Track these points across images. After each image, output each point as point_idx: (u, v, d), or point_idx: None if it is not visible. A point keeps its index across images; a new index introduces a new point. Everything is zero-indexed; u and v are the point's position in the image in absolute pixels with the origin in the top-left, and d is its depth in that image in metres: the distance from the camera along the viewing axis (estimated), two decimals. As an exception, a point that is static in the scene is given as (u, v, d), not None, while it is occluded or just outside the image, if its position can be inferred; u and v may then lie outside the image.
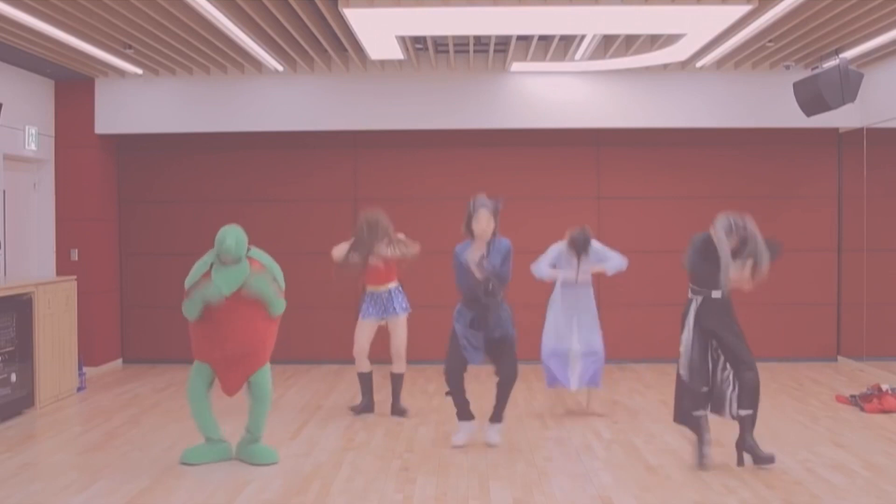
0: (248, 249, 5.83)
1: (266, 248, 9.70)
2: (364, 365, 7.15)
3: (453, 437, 6.12)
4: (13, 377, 6.97)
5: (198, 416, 5.70)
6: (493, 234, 6.02)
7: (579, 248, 7.01)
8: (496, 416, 6.11)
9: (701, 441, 5.44)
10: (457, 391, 6.08)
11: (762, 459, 5.43)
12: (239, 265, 5.67)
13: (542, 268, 7.16)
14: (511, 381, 6.04)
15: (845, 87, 7.33)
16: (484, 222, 5.96)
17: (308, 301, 9.81)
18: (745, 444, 5.43)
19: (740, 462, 5.44)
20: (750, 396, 5.39)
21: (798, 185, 9.72)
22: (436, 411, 7.23)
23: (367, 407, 7.16)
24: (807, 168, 9.72)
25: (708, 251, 5.63)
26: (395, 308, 7.09)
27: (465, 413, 6.11)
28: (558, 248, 7.20)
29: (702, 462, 5.41)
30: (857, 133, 9.20)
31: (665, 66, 8.81)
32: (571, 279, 7.07)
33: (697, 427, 5.45)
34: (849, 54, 7.82)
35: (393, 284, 7.16)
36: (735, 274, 5.50)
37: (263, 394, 5.72)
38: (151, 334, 9.86)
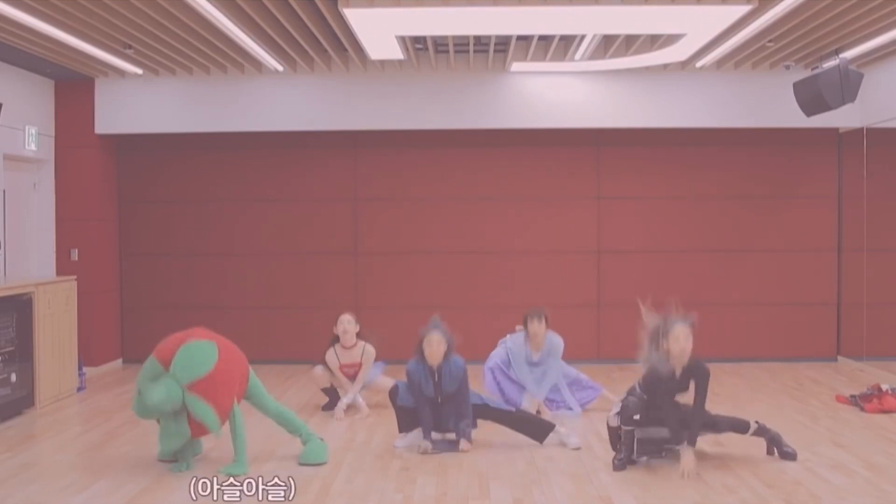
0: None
1: (266, 248, 9.82)
2: (323, 382, 7.37)
3: (396, 441, 6.15)
4: (13, 377, 6.97)
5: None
6: (445, 356, 6.04)
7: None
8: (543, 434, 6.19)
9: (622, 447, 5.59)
10: (403, 409, 6.19)
11: (786, 455, 5.63)
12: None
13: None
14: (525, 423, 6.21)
15: (845, 87, 7.33)
16: (434, 345, 5.99)
17: (307, 301, 9.82)
18: (769, 439, 5.71)
19: (770, 451, 5.70)
20: (741, 430, 5.68)
21: (798, 185, 9.72)
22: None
23: (333, 403, 7.34)
24: (807, 168, 9.72)
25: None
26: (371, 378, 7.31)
27: (406, 425, 6.17)
28: (508, 344, 7.17)
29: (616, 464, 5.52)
30: (857, 133, 9.20)
31: (665, 66, 8.80)
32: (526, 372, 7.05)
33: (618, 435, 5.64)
34: (849, 54, 7.81)
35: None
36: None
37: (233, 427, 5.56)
38: (151, 334, 9.70)
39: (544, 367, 7.04)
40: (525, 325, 7.03)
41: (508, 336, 7.27)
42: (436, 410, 6.08)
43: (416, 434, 6.12)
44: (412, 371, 6.08)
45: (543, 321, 7.00)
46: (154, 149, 9.80)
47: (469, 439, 5.97)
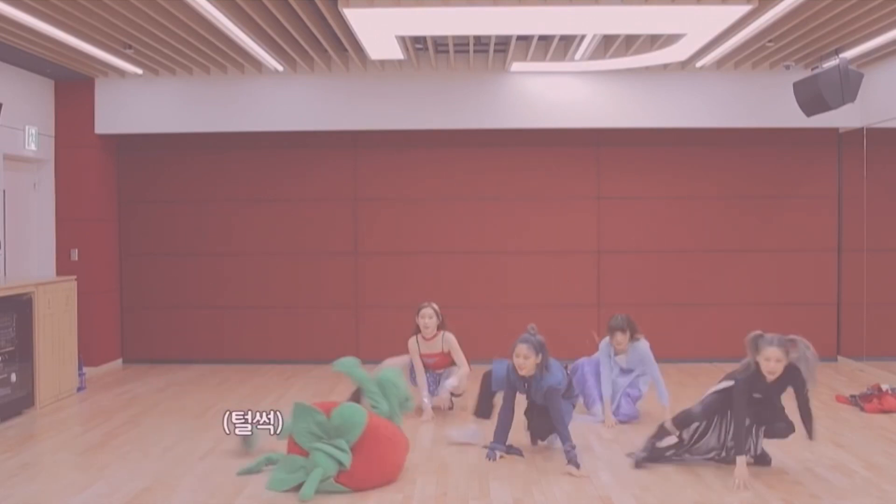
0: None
1: (266, 248, 9.82)
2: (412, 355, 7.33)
3: (454, 432, 6.13)
4: (13, 377, 6.97)
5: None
6: (539, 368, 5.69)
7: (619, 328, 6.85)
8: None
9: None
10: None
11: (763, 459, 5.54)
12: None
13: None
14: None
15: (845, 87, 7.33)
16: (521, 358, 5.67)
17: (308, 301, 9.82)
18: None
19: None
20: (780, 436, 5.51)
21: (798, 185, 9.73)
22: (436, 411, 7.22)
23: None
24: (807, 168, 9.72)
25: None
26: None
27: (485, 410, 6.23)
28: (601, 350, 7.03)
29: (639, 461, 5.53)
30: (857, 133, 9.20)
31: (665, 66, 8.81)
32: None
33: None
34: (849, 54, 7.81)
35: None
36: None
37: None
38: (151, 334, 9.87)
39: (637, 372, 6.96)
40: (609, 334, 6.95)
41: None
42: (530, 417, 5.98)
43: (475, 431, 6.05)
44: (498, 378, 5.89)
45: (626, 333, 6.88)
46: (154, 149, 9.80)
47: (577, 465, 5.41)
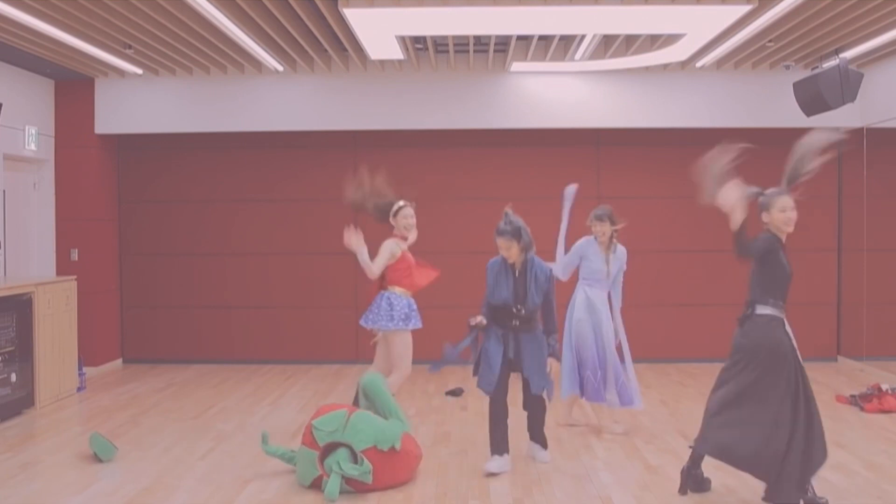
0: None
1: (265, 248, 9.82)
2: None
3: (487, 464, 5.47)
4: (13, 377, 6.97)
5: None
6: (525, 259, 5.52)
7: (604, 218, 6.47)
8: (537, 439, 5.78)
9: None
10: (497, 422, 5.52)
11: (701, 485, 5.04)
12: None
13: (562, 267, 6.54)
14: (538, 415, 5.70)
15: (845, 87, 7.33)
16: (503, 249, 5.50)
17: (308, 301, 9.82)
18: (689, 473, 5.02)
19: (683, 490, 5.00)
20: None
21: (798, 185, 9.70)
22: (436, 411, 7.24)
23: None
24: (807, 168, 9.71)
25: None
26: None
27: (499, 446, 5.49)
28: (582, 242, 6.58)
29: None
30: (857, 133, 9.20)
31: (665, 66, 8.81)
32: (601, 271, 6.49)
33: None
34: (849, 54, 7.82)
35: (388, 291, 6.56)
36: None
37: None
38: (151, 334, 9.87)
39: (615, 276, 6.59)
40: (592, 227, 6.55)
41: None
42: (513, 337, 5.49)
43: (507, 459, 5.50)
44: (490, 266, 5.58)
45: (607, 222, 6.50)
46: (154, 149, 9.80)
47: (558, 358, 5.60)
